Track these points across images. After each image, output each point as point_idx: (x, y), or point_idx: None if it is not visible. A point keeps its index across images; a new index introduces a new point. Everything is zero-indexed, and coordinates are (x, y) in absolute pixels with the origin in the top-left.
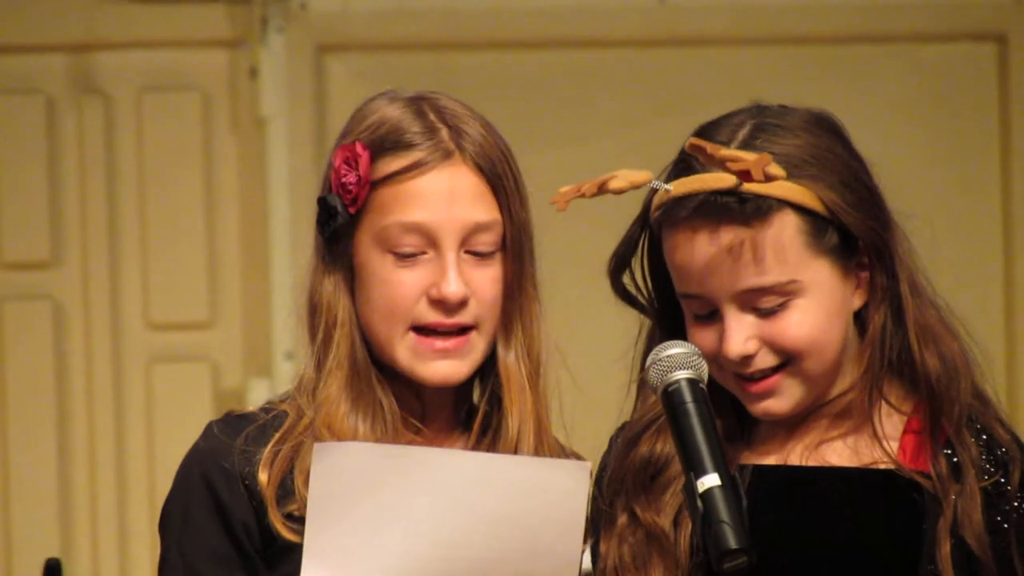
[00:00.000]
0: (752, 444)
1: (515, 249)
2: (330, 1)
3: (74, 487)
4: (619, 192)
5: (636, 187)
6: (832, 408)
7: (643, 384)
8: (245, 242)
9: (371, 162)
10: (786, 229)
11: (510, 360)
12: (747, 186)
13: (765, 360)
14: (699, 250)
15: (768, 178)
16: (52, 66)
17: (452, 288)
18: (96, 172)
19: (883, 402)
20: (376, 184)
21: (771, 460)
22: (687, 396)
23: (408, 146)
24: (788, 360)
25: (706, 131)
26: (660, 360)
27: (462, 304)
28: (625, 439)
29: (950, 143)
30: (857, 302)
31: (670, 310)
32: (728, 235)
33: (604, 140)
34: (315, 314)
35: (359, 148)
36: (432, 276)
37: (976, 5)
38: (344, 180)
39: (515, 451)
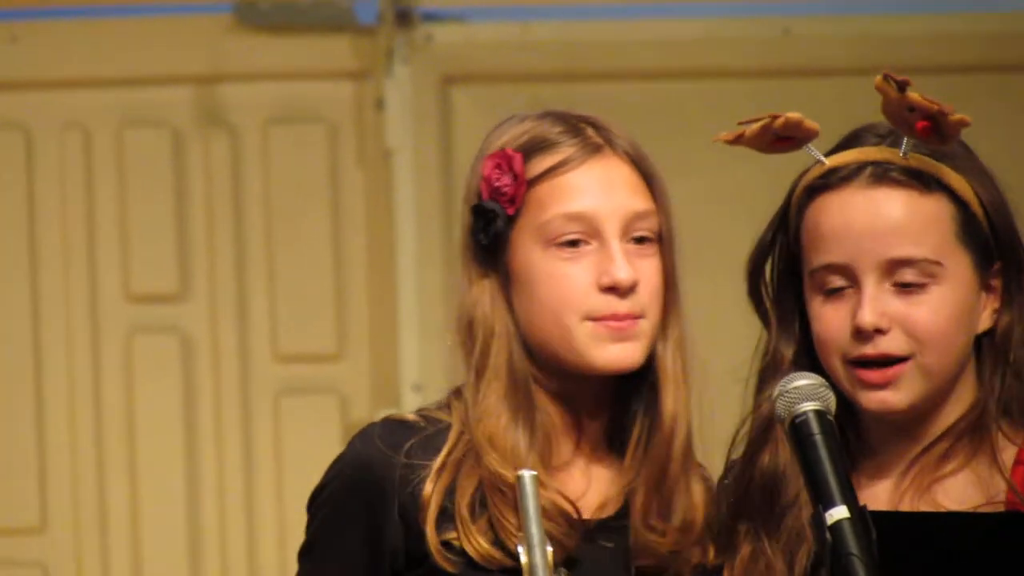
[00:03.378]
0: (859, 483)
1: (669, 241)
2: (455, 32)
3: (203, 521)
4: (781, 133)
5: (804, 131)
6: (943, 443)
7: (758, 405)
8: (372, 274)
9: (524, 163)
10: (943, 210)
11: (668, 353)
12: (912, 160)
13: (893, 343)
14: (855, 212)
15: (954, 123)
16: (178, 99)
17: (622, 273)
18: (223, 204)
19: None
20: (531, 183)
21: (881, 502)
22: (815, 428)
23: (557, 144)
24: (912, 353)
25: (856, 135)
26: (787, 392)
27: (632, 289)
28: (743, 460)
29: None
30: (983, 324)
31: (788, 320)
32: (888, 201)
33: (728, 170)
34: (472, 327)
35: (509, 151)
36: (599, 265)
37: None
38: (498, 184)
39: (668, 447)
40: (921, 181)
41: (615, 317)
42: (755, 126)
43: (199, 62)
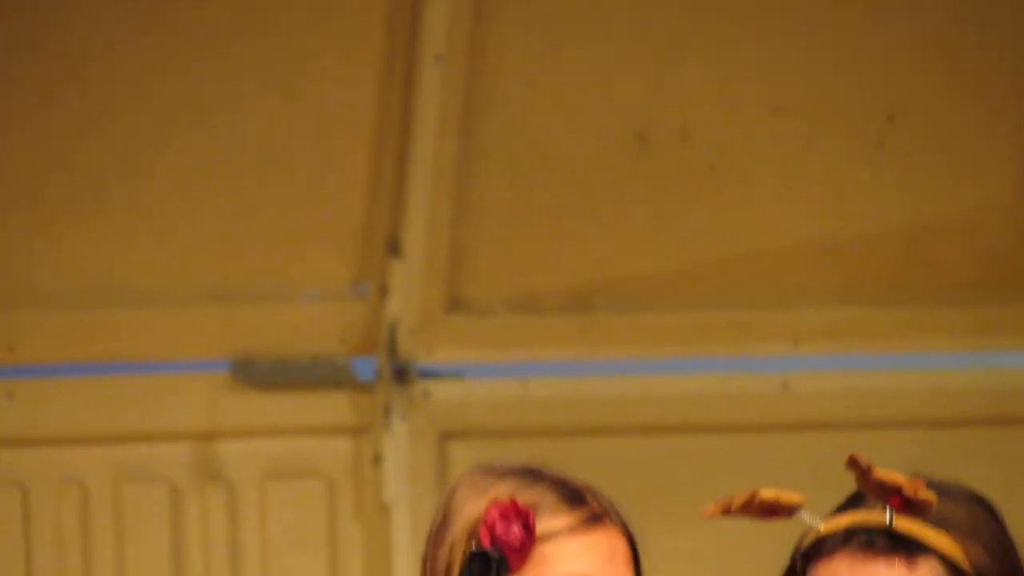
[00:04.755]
0: None
1: None
2: (452, 389)
3: None
4: (765, 507)
5: (784, 506)
6: None
7: None
8: None
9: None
10: (931, 574)
11: None
12: (898, 526)
13: None
14: None
15: (920, 502)
16: (175, 455)
17: None
18: (220, 560)
19: None
20: (539, 540)
21: None
22: None
23: (564, 508)
24: None
25: (859, 495)
26: None
27: None
28: None
29: None
30: None
31: None
32: (872, 569)
33: (728, 525)
34: None
35: (521, 505)
36: None
37: None
38: (504, 534)
39: None
40: (907, 549)
41: None
42: (737, 502)
43: (196, 419)
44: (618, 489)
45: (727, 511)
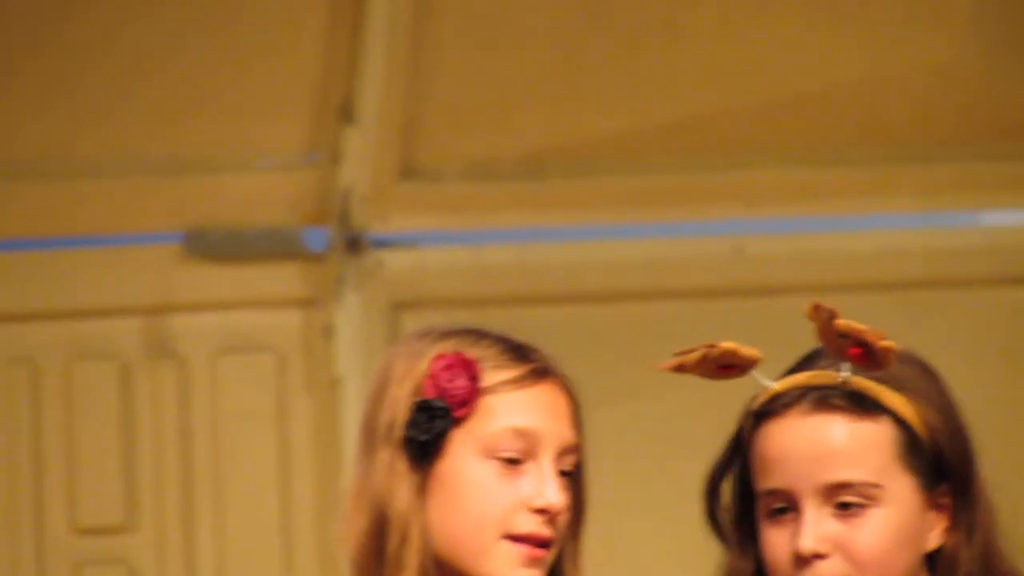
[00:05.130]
0: None
1: (581, 477)
2: (406, 258)
3: None
4: (721, 362)
5: (741, 360)
6: None
7: None
8: (320, 501)
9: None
10: (884, 433)
11: None
12: (854, 383)
13: (832, 568)
14: (794, 438)
15: (881, 351)
16: (127, 330)
17: (555, 498)
18: (171, 435)
19: None
20: (483, 392)
21: None
22: None
23: (508, 362)
24: (854, 572)
25: (811, 357)
26: None
27: (557, 516)
28: None
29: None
30: (931, 543)
31: (746, 541)
32: (826, 426)
33: (681, 392)
34: (384, 522)
35: (466, 356)
36: (532, 487)
37: None
38: (449, 385)
39: None
40: (860, 405)
41: (536, 538)
42: (694, 355)
43: (148, 293)
44: (573, 355)
45: (682, 367)
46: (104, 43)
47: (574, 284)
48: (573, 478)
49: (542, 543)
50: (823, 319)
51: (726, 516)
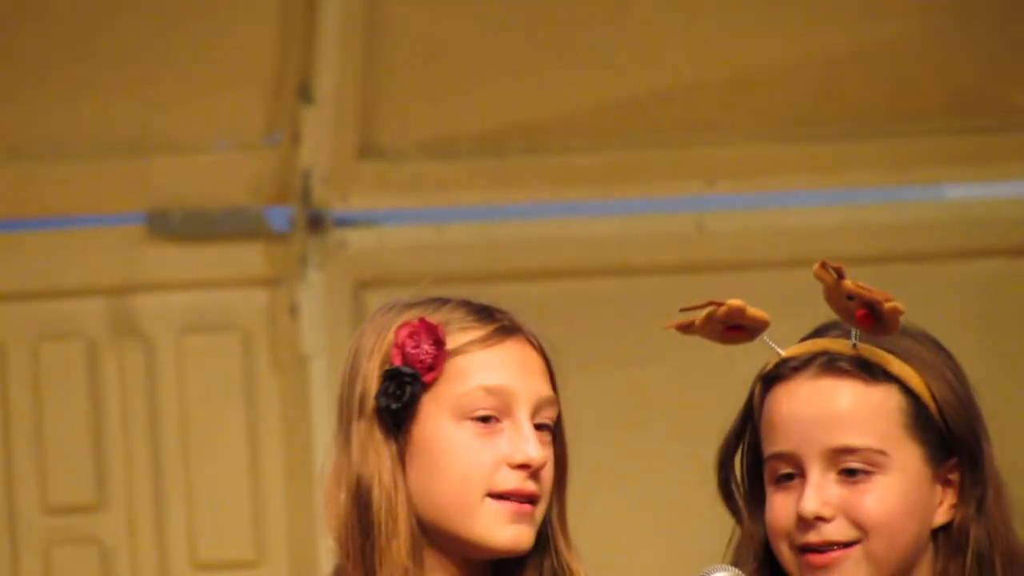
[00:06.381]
0: None
1: (561, 433)
2: (368, 237)
3: None
4: (729, 322)
5: (749, 320)
6: None
7: None
8: (289, 479)
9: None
10: (891, 401)
11: (560, 539)
12: (862, 351)
13: (837, 532)
14: (801, 402)
15: (888, 312)
16: (92, 310)
17: (535, 451)
18: (138, 414)
19: None
20: (450, 354)
21: None
22: None
23: (474, 322)
24: (857, 539)
25: (824, 327)
26: None
27: (539, 470)
28: None
29: (995, 363)
30: (939, 518)
31: (758, 508)
32: (834, 390)
33: (645, 366)
34: (366, 496)
35: (429, 321)
36: (510, 443)
37: (1010, 221)
38: (415, 351)
39: None
40: (868, 371)
41: (520, 493)
42: (701, 314)
43: (112, 273)
44: (540, 332)
45: (689, 327)
46: (67, 27)
47: (537, 261)
48: (553, 432)
49: (527, 498)
50: (830, 279)
51: (737, 486)
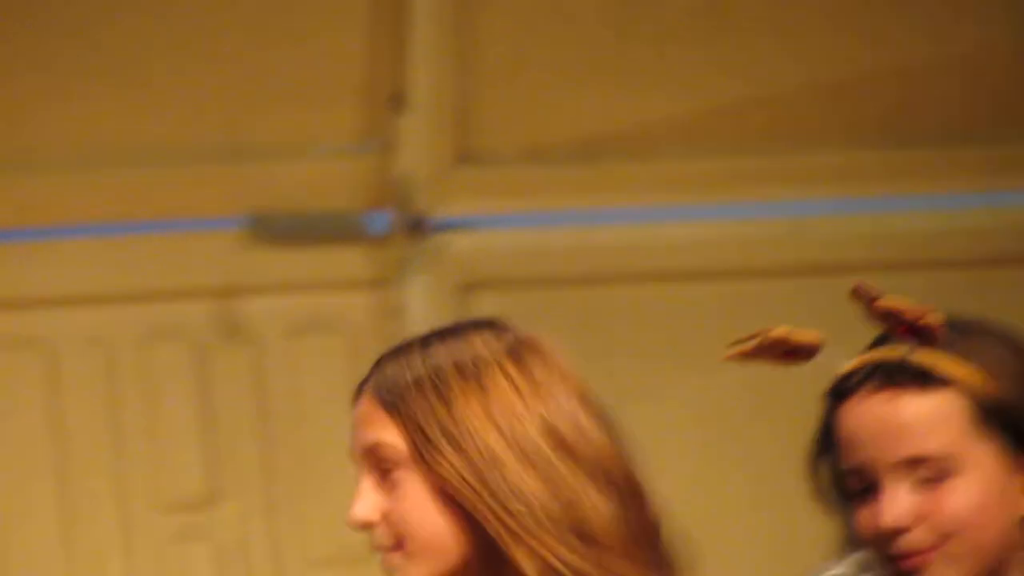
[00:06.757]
0: None
1: (441, 449)
2: (467, 241)
3: None
4: (784, 349)
5: (799, 345)
6: None
7: None
8: None
9: None
10: (951, 404)
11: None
12: (916, 359)
13: (920, 539)
14: (865, 417)
15: (925, 328)
16: (198, 313)
17: (355, 513)
18: (248, 416)
19: None
20: None
21: None
22: None
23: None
24: (943, 540)
25: (878, 340)
26: None
27: (383, 521)
28: None
29: None
30: None
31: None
32: (893, 403)
33: (744, 368)
34: None
35: None
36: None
37: None
38: None
39: None
40: (925, 380)
41: (376, 549)
42: (749, 345)
43: (216, 276)
44: (634, 334)
45: (746, 355)
46: (162, 33)
47: (636, 265)
48: (414, 460)
49: (386, 549)
50: (865, 301)
51: (828, 494)
